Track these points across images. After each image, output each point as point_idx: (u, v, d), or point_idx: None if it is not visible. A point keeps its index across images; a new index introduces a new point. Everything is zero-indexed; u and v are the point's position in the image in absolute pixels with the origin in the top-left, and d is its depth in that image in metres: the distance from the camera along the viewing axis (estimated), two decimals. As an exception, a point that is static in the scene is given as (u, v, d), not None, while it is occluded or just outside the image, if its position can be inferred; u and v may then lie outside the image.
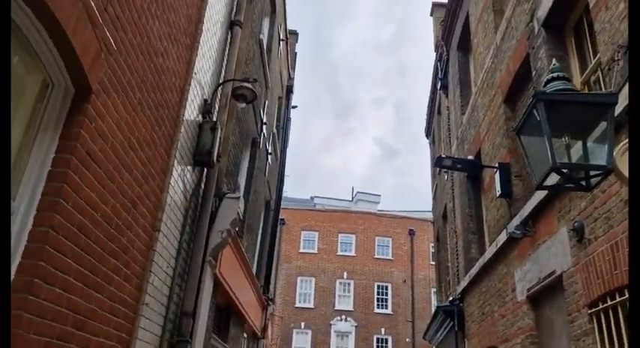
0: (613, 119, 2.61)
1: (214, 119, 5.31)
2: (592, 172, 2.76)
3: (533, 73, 5.66)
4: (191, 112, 4.72)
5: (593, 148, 2.84)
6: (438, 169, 12.62)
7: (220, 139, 5.46)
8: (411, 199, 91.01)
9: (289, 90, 13.23)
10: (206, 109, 5.18)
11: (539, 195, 5.21)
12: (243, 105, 5.34)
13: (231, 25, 6.11)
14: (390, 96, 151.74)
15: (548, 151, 2.65)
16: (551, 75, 2.93)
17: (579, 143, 2.90)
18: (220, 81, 5.63)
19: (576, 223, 4.43)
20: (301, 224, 30.80)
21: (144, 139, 3.66)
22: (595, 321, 4.14)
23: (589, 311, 4.20)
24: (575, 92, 2.92)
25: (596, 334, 4.09)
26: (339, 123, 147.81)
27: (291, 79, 13.56)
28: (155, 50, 3.73)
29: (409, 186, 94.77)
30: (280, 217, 28.14)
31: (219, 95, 5.68)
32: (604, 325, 3.98)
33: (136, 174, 3.55)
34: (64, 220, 2.56)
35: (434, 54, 13.07)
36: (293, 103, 14.24)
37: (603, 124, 2.76)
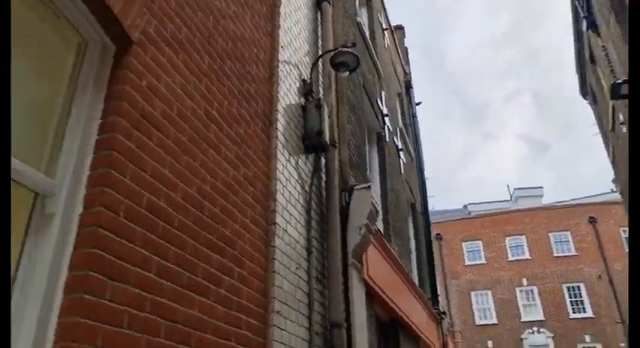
0: None
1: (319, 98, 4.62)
2: None
3: None
4: (287, 90, 4.07)
5: None
6: (611, 125, 10.37)
7: (332, 120, 4.73)
8: (575, 190, 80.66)
9: (408, 85, 12.22)
10: (306, 89, 4.52)
11: None
12: (347, 74, 4.57)
13: (318, 2, 5.50)
14: (524, 87, 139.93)
15: None
16: None
17: None
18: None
19: None
20: (460, 236, 28.58)
21: (229, 114, 3.04)
22: None
23: None
24: None
25: None
26: (475, 129, 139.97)
27: (407, 74, 12.58)
28: (220, 11, 3.16)
29: (572, 176, 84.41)
30: (435, 232, 26.56)
31: (320, 77, 5.01)
32: None
33: (227, 153, 2.92)
34: (123, 198, 1.96)
35: (564, 29, 11.02)
36: (416, 101, 13.17)
37: None
